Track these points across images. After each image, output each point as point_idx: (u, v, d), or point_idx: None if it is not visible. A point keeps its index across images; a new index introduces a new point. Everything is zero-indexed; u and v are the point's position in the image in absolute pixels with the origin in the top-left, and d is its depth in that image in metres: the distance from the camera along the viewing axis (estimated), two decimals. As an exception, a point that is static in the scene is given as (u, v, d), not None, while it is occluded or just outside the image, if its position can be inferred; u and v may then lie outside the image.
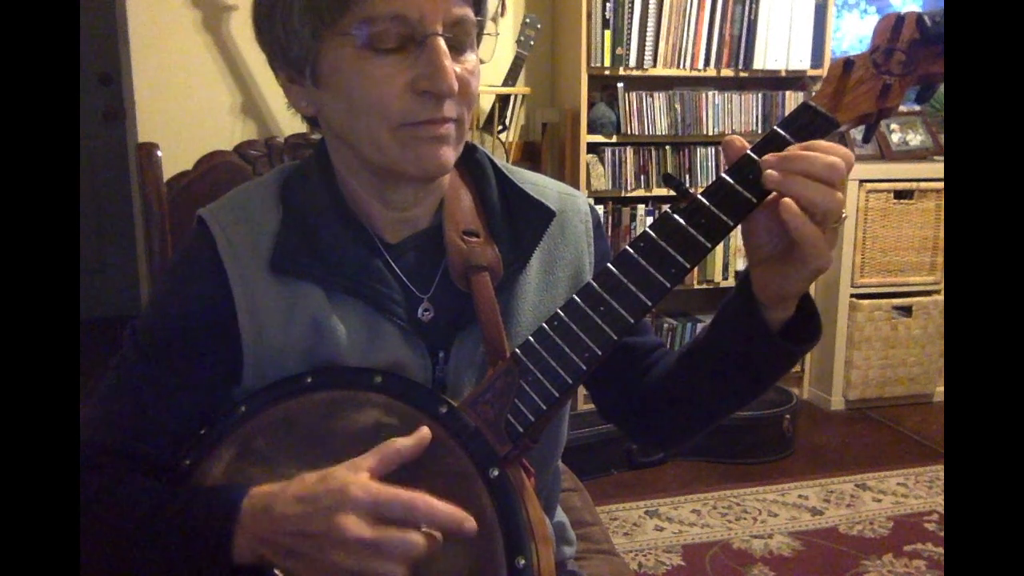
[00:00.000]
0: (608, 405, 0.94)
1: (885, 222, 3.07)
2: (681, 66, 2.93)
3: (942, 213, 3.09)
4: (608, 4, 2.81)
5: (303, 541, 0.66)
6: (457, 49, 0.75)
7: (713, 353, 0.80)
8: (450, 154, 0.77)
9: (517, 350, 0.74)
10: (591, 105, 2.91)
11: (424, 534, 0.65)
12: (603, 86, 2.99)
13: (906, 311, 3.12)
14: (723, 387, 0.81)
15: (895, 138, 3.28)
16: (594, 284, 0.72)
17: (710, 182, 0.71)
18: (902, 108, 3.33)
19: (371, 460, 0.68)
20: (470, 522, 0.66)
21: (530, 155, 3.04)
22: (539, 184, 0.90)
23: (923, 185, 3.08)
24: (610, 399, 0.94)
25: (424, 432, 0.70)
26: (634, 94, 2.91)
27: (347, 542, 0.64)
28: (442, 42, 0.72)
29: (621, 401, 0.92)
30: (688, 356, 0.84)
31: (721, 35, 2.94)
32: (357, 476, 0.67)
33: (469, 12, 0.75)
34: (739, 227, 0.71)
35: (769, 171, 0.67)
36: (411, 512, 0.65)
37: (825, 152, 0.66)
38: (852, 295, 3.08)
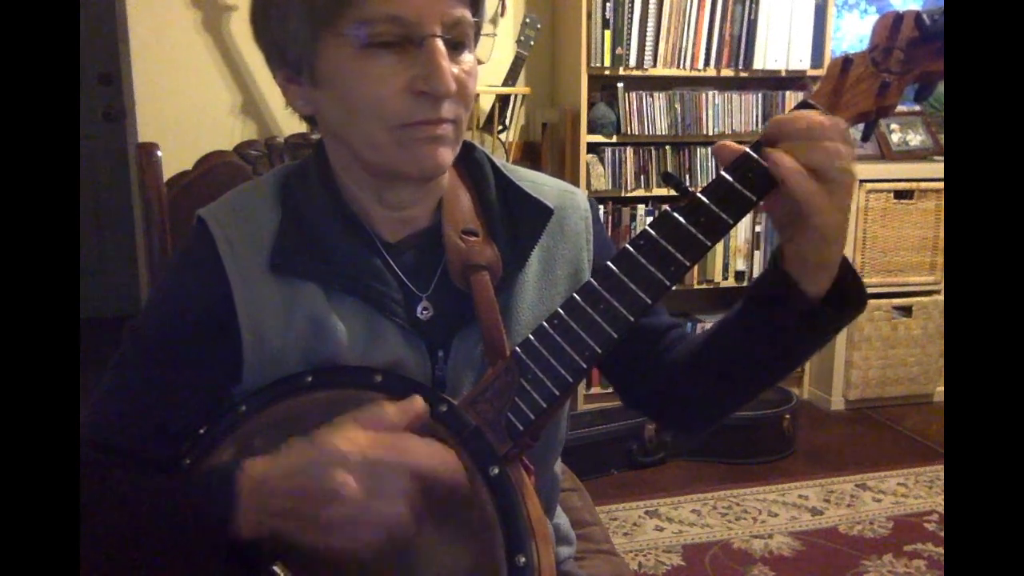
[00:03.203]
0: (631, 392, 0.93)
1: (885, 222, 3.07)
2: (681, 66, 2.93)
3: (942, 213, 3.09)
4: (608, 4, 2.81)
5: (299, 501, 0.66)
6: (455, 50, 0.75)
7: (745, 327, 0.78)
8: (448, 154, 0.77)
9: (517, 349, 0.74)
10: (591, 105, 2.91)
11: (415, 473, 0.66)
12: (603, 86, 2.99)
13: (906, 311, 3.12)
14: (755, 362, 0.79)
15: (895, 138, 3.28)
16: (594, 282, 0.73)
17: (709, 180, 0.71)
18: (902, 108, 3.33)
19: (352, 421, 0.69)
20: (455, 461, 0.67)
21: (530, 155, 3.04)
22: (538, 182, 0.90)
23: (923, 185, 3.08)
24: (633, 384, 0.92)
25: (416, 402, 0.70)
26: (634, 94, 2.91)
27: (341, 494, 0.65)
28: (440, 43, 0.73)
29: (645, 385, 0.91)
30: (718, 333, 0.82)
31: (721, 35, 2.94)
32: (341, 431, 0.68)
33: (467, 13, 0.75)
34: (739, 224, 0.71)
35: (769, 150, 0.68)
36: (400, 454, 0.66)
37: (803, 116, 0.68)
38: (852, 295, 3.08)
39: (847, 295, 0.73)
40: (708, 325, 0.82)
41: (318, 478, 0.65)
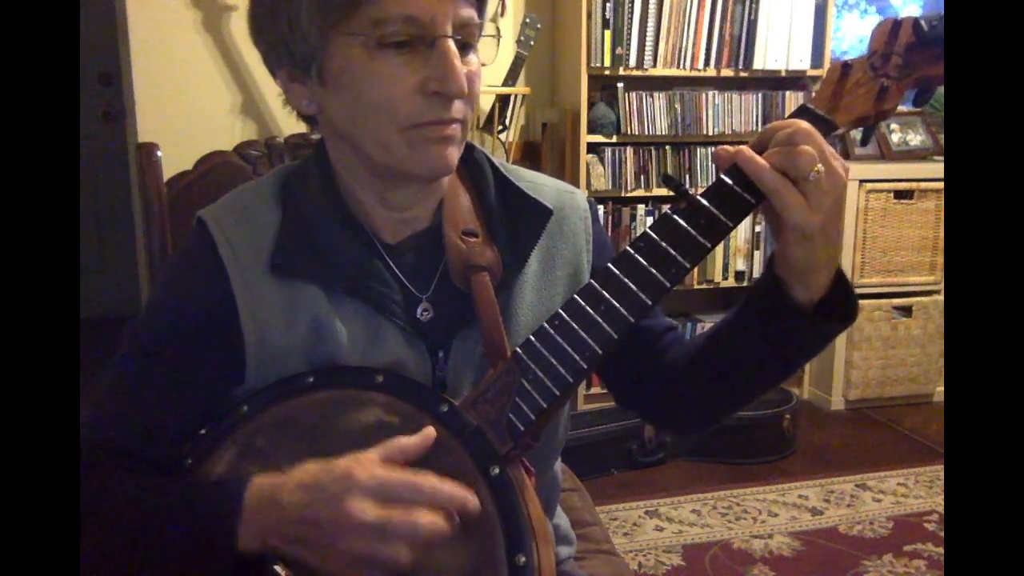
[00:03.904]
0: (627, 393, 0.93)
1: (885, 222, 3.07)
2: (681, 66, 2.93)
3: (942, 213, 3.09)
4: (608, 4, 2.81)
5: (310, 529, 0.66)
6: (463, 50, 0.75)
7: (741, 332, 0.79)
8: (455, 154, 0.78)
9: (518, 349, 0.74)
10: (591, 105, 2.91)
11: (432, 515, 0.66)
12: (603, 86, 2.99)
13: (906, 311, 3.12)
14: (752, 366, 0.79)
15: (895, 138, 3.28)
16: (595, 283, 0.73)
17: (710, 182, 0.71)
18: (902, 108, 3.33)
19: (374, 454, 0.69)
20: (473, 500, 0.67)
21: (530, 155, 3.04)
22: (537, 182, 0.90)
23: (923, 185, 3.08)
24: (628, 385, 0.93)
25: (429, 431, 0.71)
26: (634, 94, 2.91)
27: (354, 526, 0.65)
28: (452, 44, 0.73)
29: (640, 386, 0.91)
30: (715, 336, 0.83)
31: (721, 35, 2.94)
32: (362, 462, 0.67)
33: (475, 14, 0.76)
34: (740, 225, 0.71)
35: (721, 146, 0.70)
36: (416, 493, 0.66)
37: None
38: (852, 295, 3.08)
39: (838, 305, 0.73)
40: (708, 325, 0.83)
41: (332, 506, 0.65)
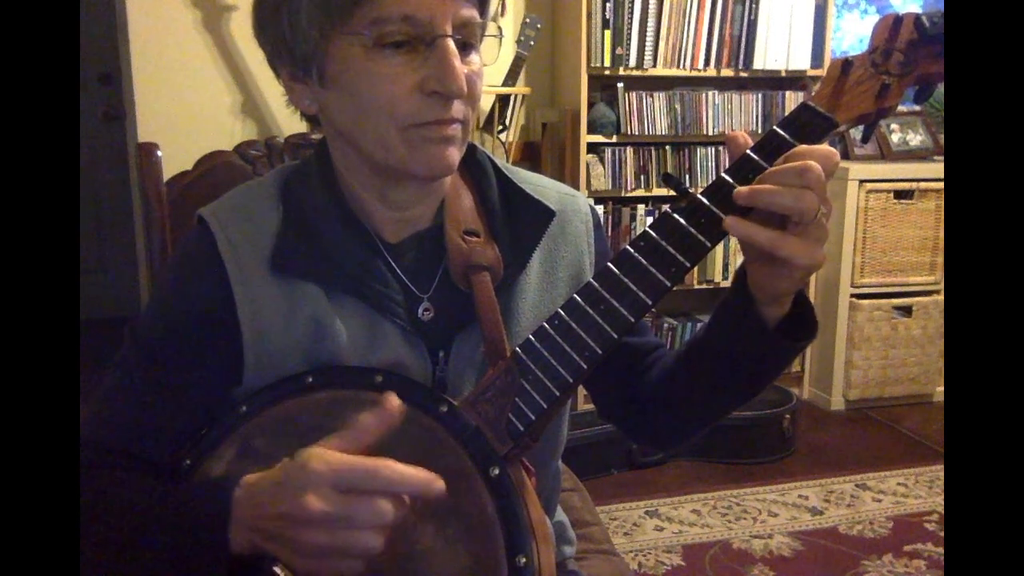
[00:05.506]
0: (607, 405, 0.94)
1: (885, 222, 3.07)
2: (681, 66, 2.93)
3: (942, 213, 3.09)
4: (608, 4, 2.81)
5: (279, 523, 0.64)
6: (463, 50, 0.75)
7: (710, 351, 0.80)
8: (456, 154, 0.78)
9: (518, 349, 0.74)
10: (591, 105, 2.91)
11: (393, 500, 0.63)
12: (603, 86, 2.99)
13: (906, 311, 3.12)
14: (720, 385, 0.81)
15: (895, 138, 3.28)
16: (595, 283, 0.72)
17: (710, 181, 0.71)
18: (902, 108, 3.34)
19: (335, 440, 0.65)
20: (438, 482, 0.63)
21: (530, 155, 3.04)
22: (539, 184, 0.90)
23: (923, 185, 3.08)
24: (609, 399, 0.94)
25: (391, 401, 0.65)
26: (634, 94, 2.91)
27: (311, 519, 0.62)
28: (452, 43, 0.73)
29: (620, 401, 0.92)
30: (686, 355, 0.84)
31: (721, 35, 2.94)
32: (319, 450, 0.64)
33: (476, 14, 0.76)
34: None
35: (738, 188, 0.67)
36: (374, 479, 0.62)
37: (801, 156, 0.66)
38: (852, 295, 3.08)
39: (797, 322, 0.74)
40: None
41: (292, 500, 0.63)
